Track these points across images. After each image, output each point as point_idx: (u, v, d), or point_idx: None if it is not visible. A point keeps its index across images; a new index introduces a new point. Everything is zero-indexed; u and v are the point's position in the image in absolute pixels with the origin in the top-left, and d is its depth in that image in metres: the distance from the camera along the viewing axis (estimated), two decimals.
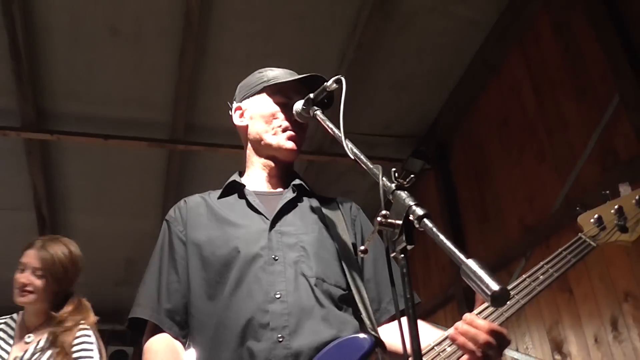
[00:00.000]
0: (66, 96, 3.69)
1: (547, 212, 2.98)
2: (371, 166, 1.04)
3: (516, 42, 3.38)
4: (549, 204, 2.98)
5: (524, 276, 1.23)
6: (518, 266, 3.20)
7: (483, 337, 1.05)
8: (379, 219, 0.91)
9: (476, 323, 1.07)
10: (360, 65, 3.54)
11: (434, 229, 0.84)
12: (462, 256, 0.79)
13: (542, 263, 1.27)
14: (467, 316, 1.10)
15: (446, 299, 3.99)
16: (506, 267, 3.30)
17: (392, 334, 1.26)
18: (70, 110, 3.77)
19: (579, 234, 1.37)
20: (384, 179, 0.98)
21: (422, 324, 1.29)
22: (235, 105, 1.58)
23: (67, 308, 2.23)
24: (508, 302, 1.10)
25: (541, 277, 1.24)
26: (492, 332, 1.06)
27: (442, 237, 0.82)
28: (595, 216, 1.40)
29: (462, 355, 1.08)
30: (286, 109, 1.48)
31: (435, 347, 1.12)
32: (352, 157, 1.11)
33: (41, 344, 2.14)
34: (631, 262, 2.42)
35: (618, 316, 2.47)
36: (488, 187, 3.66)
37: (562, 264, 1.28)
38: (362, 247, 0.99)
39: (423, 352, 1.10)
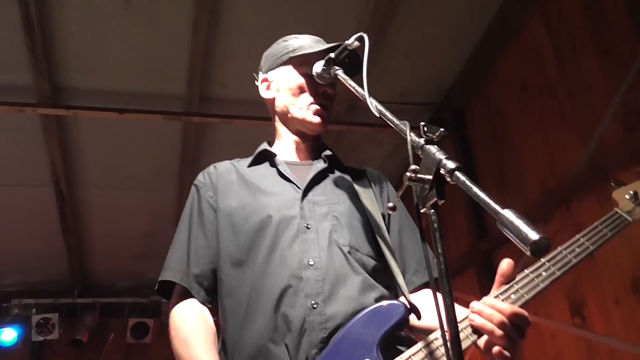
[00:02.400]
0: (80, 71, 3.67)
1: (568, 175, 2.93)
2: (397, 122, 1.02)
3: (536, 2, 3.29)
4: (570, 168, 2.93)
5: (559, 248, 1.22)
6: None
7: (499, 317, 1.01)
8: (408, 174, 0.89)
9: (496, 305, 1.03)
10: (376, 31, 3.47)
11: (467, 182, 0.82)
12: (497, 207, 0.78)
13: (577, 236, 1.26)
14: (485, 299, 1.06)
15: (464, 265, 3.98)
16: None
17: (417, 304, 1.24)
18: (84, 85, 3.76)
19: (615, 208, 1.38)
20: (411, 134, 0.95)
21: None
22: (261, 76, 1.55)
23: None
24: (543, 274, 1.10)
25: (577, 249, 1.23)
26: (512, 314, 1.01)
27: (475, 189, 0.80)
28: (631, 192, 1.42)
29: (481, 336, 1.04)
30: (313, 80, 1.45)
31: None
32: (377, 114, 1.09)
33: None
34: None
35: None
36: (507, 152, 3.61)
37: (598, 237, 1.28)
38: (390, 204, 0.98)
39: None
